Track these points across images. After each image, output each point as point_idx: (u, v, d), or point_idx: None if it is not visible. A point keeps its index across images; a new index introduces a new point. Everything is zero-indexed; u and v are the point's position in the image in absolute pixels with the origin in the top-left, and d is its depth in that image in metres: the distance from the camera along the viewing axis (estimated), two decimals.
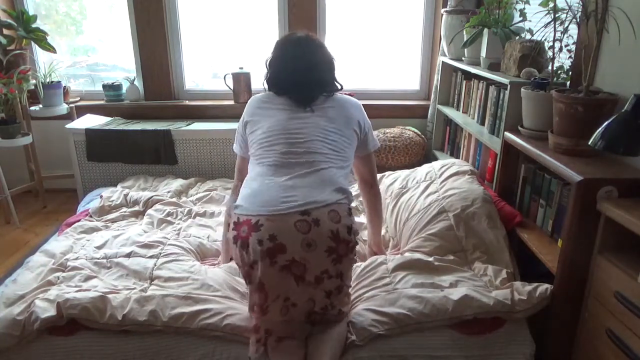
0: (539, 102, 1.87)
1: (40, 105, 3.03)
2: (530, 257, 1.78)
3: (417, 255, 1.83)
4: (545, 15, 1.87)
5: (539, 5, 1.88)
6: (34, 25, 3.01)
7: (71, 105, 3.18)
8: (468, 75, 2.74)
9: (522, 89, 1.94)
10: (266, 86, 1.76)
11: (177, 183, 2.70)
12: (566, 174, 1.55)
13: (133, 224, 2.26)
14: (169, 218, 2.27)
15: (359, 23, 3.40)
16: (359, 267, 1.81)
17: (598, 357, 1.47)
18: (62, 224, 2.28)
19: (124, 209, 2.39)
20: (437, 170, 2.34)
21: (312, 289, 1.45)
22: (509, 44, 2.23)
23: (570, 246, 1.53)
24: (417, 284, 1.68)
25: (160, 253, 1.89)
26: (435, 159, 3.01)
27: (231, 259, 1.94)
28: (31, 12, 3.07)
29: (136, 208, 2.40)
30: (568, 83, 2.01)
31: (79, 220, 2.25)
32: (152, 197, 2.45)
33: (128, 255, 1.87)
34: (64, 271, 1.80)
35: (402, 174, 2.47)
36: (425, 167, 2.44)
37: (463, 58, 2.72)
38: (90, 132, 2.89)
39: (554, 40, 1.87)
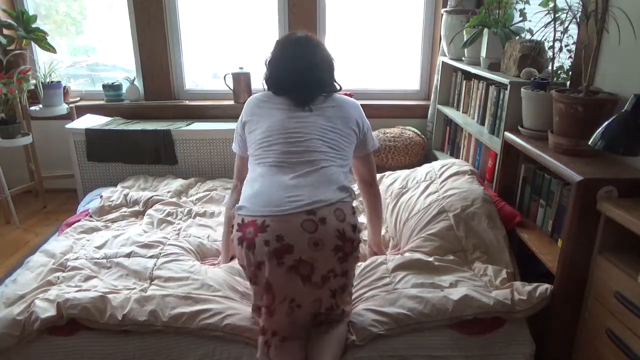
0: (539, 102, 1.87)
1: (40, 105, 3.04)
2: (530, 257, 1.78)
3: (417, 255, 1.84)
4: (545, 15, 1.87)
5: (539, 5, 1.88)
6: (34, 25, 3.01)
7: (71, 105, 3.18)
8: (468, 75, 2.74)
9: (522, 89, 1.94)
10: (265, 86, 1.77)
11: (177, 183, 2.70)
12: (566, 174, 1.55)
13: (133, 224, 2.26)
14: (169, 218, 2.27)
15: (359, 23, 3.40)
16: (359, 267, 1.81)
17: (598, 357, 1.47)
18: (62, 224, 2.28)
19: (124, 209, 2.39)
20: (437, 170, 2.34)
21: (318, 289, 1.45)
22: (509, 44, 2.23)
23: (570, 246, 1.53)
24: (417, 284, 1.68)
25: (160, 253, 1.89)
26: (435, 159, 3.01)
27: (231, 259, 1.94)
28: (31, 12, 3.07)
29: (136, 208, 2.40)
30: (568, 83, 2.01)
31: (79, 220, 2.25)
32: (152, 197, 2.45)
33: (128, 255, 1.87)
34: (64, 271, 1.80)
35: (402, 174, 2.47)
36: (425, 167, 2.44)
37: (463, 58, 2.72)
38: (90, 132, 2.89)
39: (554, 40, 1.87)
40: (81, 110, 3.24)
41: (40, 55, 3.36)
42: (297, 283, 1.42)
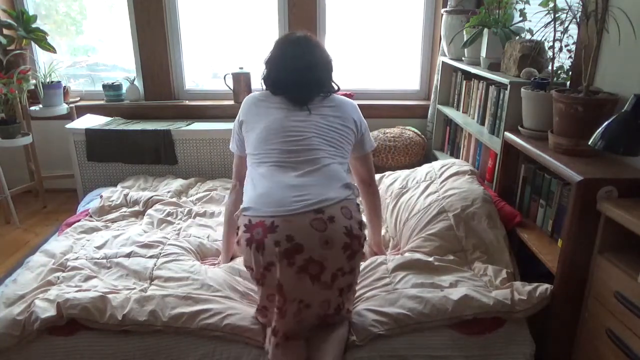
0: (539, 102, 1.87)
1: (40, 105, 3.04)
2: (530, 257, 1.78)
3: (417, 255, 1.84)
4: (545, 15, 1.87)
5: (539, 5, 1.88)
6: (34, 25, 3.01)
7: (71, 105, 3.18)
8: (468, 75, 2.74)
9: (522, 89, 1.94)
10: (263, 85, 1.76)
11: (177, 183, 2.70)
12: (566, 174, 1.55)
13: (133, 224, 2.26)
14: (169, 218, 2.27)
15: (359, 23, 3.40)
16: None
17: (598, 357, 1.47)
18: (62, 224, 2.28)
19: (124, 209, 2.39)
20: (437, 170, 2.34)
21: (327, 290, 1.45)
22: (509, 44, 2.24)
23: (570, 246, 1.53)
24: (417, 284, 1.68)
25: (160, 253, 1.89)
26: (435, 159, 3.01)
27: (231, 259, 1.94)
28: (31, 12, 3.07)
29: (136, 208, 2.40)
30: (568, 83, 2.01)
31: (79, 220, 2.25)
32: (152, 197, 2.45)
33: (128, 255, 1.87)
34: (64, 271, 1.80)
35: (402, 174, 2.47)
36: (425, 167, 2.44)
37: (463, 58, 2.72)
38: (90, 132, 2.89)
39: (554, 40, 1.87)
40: (81, 110, 3.24)
41: (40, 55, 3.36)
42: (307, 283, 1.42)
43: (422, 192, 2.18)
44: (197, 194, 2.60)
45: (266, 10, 3.27)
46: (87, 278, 1.75)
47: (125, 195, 2.48)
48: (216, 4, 3.34)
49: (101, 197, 2.49)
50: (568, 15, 1.75)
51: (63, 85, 3.12)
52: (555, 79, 2.01)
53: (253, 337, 1.52)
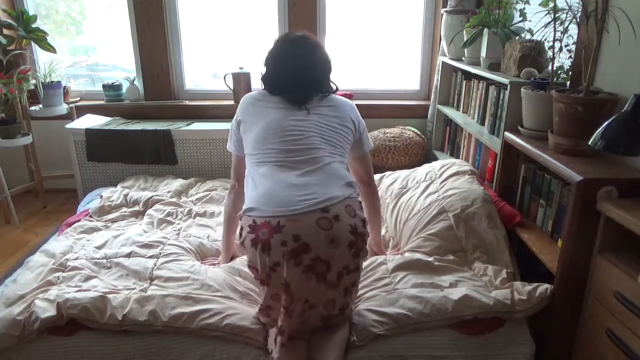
0: (539, 102, 1.87)
1: (40, 105, 3.04)
2: (530, 257, 1.78)
3: (417, 255, 1.84)
4: (545, 15, 1.87)
5: (539, 5, 1.88)
6: (34, 25, 3.01)
7: (71, 105, 3.18)
8: (468, 75, 2.74)
9: (522, 89, 1.94)
10: (262, 84, 1.76)
11: (177, 183, 2.70)
12: (566, 174, 1.55)
13: (133, 224, 2.25)
14: (169, 218, 2.27)
15: (359, 23, 3.40)
16: None
17: (598, 357, 1.47)
18: (62, 224, 2.28)
19: (124, 209, 2.39)
20: (437, 170, 2.34)
21: (333, 289, 1.46)
22: (509, 44, 2.24)
23: (570, 246, 1.53)
24: (417, 284, 1.68)
25: (160, 253, 1.89)
26: (435, 159, 3.01)
27: (231, 259, 1.94)
28: (31, 12, 3.07)
29: (136, 208, 2.40)
30: (568, 83, 2.01)
31: (79, 220, 2.25)
32: (152, 197, 2.45)
33: (128, 255, 1.87)
34: (64, 271, 1.80)
35: (402, 174, 2.47)
36: (425, 167, 2.44)
37: (463, 58, 2.72)
38: (90, 132, 2.89)
39: (554, 40, 1.87)
40: (81, 110, 3.24)
41: (40, 55, 3.36)
42: (312, 283, 1.42)
43: (422, 192, 2.18)
44: (197, 194, 2.60)
45: (266, 10, 3.28)
46: (87, 278, 1.75)
47: (125, 195, 2.48)
48: (216, 4, 3.34)
49: (101, 197, 2.49)
50: (568, 15, 1.75)
51: (63, 85, 3.12)
52: (555, 79, 2.01)
53: (253, 337, 1.52)
